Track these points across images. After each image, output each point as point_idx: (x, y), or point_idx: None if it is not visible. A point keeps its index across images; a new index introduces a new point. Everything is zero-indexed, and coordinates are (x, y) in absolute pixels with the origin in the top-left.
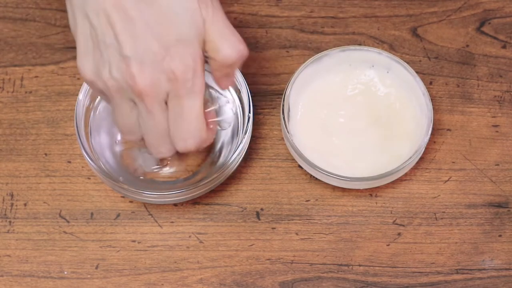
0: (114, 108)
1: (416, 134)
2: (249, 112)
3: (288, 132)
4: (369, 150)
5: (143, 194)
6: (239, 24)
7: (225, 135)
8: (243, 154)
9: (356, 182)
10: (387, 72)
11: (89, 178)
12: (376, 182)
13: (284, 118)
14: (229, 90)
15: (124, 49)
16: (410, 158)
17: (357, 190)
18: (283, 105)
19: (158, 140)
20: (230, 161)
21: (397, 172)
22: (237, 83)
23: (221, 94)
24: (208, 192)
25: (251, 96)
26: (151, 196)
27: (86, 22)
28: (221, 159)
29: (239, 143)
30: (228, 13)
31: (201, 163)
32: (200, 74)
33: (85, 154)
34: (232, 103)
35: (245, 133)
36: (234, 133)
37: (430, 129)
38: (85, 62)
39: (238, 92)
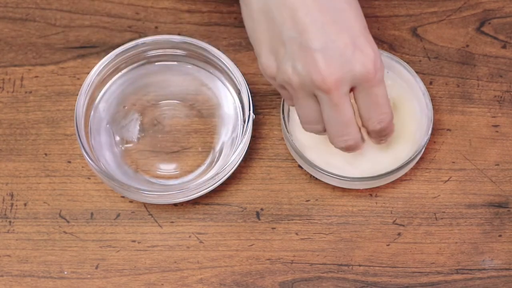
0: (296, 103)
1: (416, 134)
2: (249, 111)
3: (288, 132)
4: (369, 150)
5: (143, 194)
6: (239, 24)
7: (225, 135)
8: (243, 154)
9: (356, 182)
10: (387, 72)
11: (89, 178)
12: (376, 182)
13: (284, 118)
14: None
15: (311, 42)
16: (410, 158)
17: (357, 190)
18: (283, 105)
19: (343, 131)
20: (230, 161)
21: (397, 172)
22: (237, 83)
23: None
24: (208, 192)
25: (251, 96)
26: (151, 196)
27: (268, 20)
28: (221, 159)
29: (239, 143)
30: (228, 13)
31: (201, 163)
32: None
33: (85, 154)
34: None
35: (245, 133)
36: (234, 133)
37: (430, 129)
38: (268, 60)
39: (238, 92)
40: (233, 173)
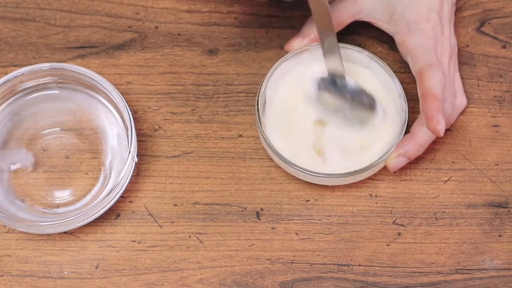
0: None
1: (391, 135)
2: (131, 128)
3: (263, 129)
4: (346, 146)
5: (17, 224)
6: (239, 24)
7: (111, 152)
8: (131, 172)
9: (325, 178)
10: (367, 71)
11: (86, 173)
12: (345, 179)
13: (259, 114)
14: None
15: None
16: (379, 158)
17: (357, 190)
18: (258, 101)
19: None
20: (120, 178)
21: (365, 172)
22: (116, 101)
23: None
24: (208, 192)
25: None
26: (22, 226)
27: None
28: (112, 178)
29: (126, 157)
30: (228, 13)
31: (93, 185)
32: None
33: None
34: None
35: (130, 145)
36: (120, 147)
37: (404, 130)
38: None
39: (117, 110)
40: (233, 173)
